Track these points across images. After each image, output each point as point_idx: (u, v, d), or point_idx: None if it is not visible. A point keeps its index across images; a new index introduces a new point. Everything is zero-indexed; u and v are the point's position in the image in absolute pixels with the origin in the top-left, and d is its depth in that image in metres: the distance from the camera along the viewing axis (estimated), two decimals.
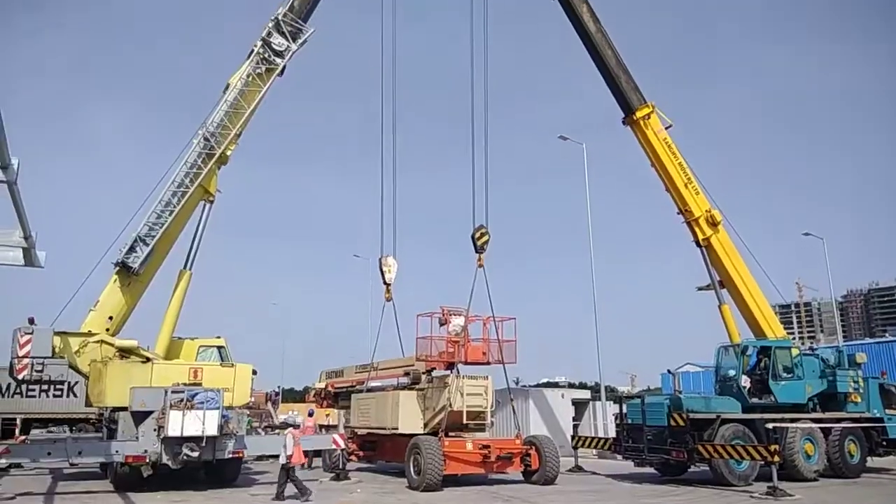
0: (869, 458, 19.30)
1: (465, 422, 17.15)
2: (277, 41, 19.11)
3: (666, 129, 22.11)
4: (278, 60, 19.16)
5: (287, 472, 14.25)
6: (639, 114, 21.92)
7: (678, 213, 22.34)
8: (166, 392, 14.93)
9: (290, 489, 14.17)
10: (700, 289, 22.87)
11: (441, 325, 17.99)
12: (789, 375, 19.02)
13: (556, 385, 67.32)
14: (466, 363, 17.97)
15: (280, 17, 19.15)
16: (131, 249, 17.48)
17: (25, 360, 15.78)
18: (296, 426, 16.78)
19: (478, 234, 19.29)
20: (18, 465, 16.40)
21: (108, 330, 17.21)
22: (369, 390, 20.65)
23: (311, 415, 24.66)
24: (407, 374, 19.06)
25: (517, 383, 48.14)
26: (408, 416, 17.83)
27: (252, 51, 19.18)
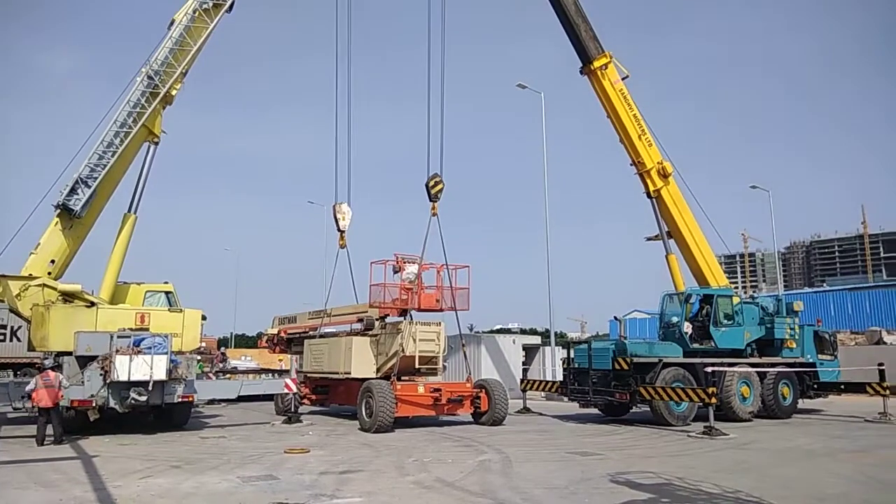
0: (800, 401, 20.43)
1: (417, 366, 17.43)
2: None
3: (623, 79, 22.12)
4: None
5: (46, 414, 13.64)
6: (596, 63, 21.78)
7: (631, 165, 22.59)
8: (112, 337, 14.69)
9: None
10: (648, 239, 23.44)
11: (395, 272, 18.00)
12: (729, 322, 19.77)
13: (508, 331, 68.72)
14: (420, 310, 18.11)
15: None
16: (72, 191, 16.82)
17: None
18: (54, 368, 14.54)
19: (432, 183, 19.21)
20: None
21: (50, 274, 16.69)
22: (322, 336, 20.71)
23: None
24: (360, 320, 19.14)
25: (471, 329, 48.80)
26: (361, 361, 18.02)
27: None
